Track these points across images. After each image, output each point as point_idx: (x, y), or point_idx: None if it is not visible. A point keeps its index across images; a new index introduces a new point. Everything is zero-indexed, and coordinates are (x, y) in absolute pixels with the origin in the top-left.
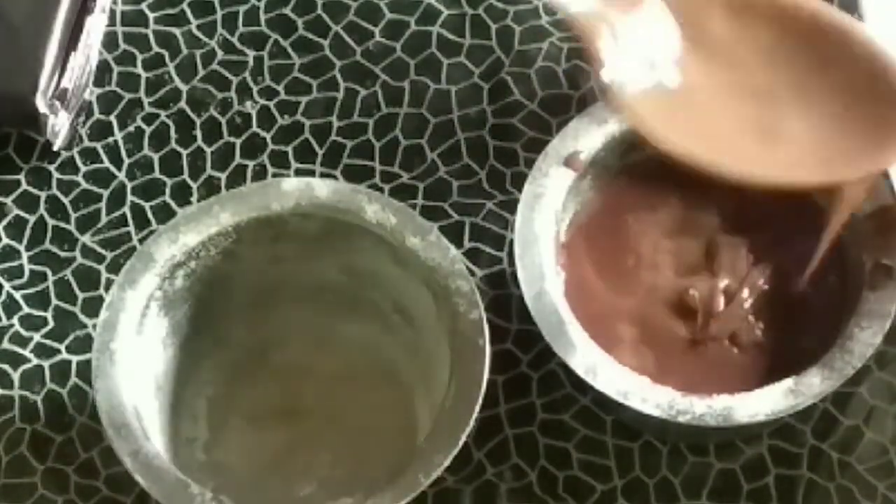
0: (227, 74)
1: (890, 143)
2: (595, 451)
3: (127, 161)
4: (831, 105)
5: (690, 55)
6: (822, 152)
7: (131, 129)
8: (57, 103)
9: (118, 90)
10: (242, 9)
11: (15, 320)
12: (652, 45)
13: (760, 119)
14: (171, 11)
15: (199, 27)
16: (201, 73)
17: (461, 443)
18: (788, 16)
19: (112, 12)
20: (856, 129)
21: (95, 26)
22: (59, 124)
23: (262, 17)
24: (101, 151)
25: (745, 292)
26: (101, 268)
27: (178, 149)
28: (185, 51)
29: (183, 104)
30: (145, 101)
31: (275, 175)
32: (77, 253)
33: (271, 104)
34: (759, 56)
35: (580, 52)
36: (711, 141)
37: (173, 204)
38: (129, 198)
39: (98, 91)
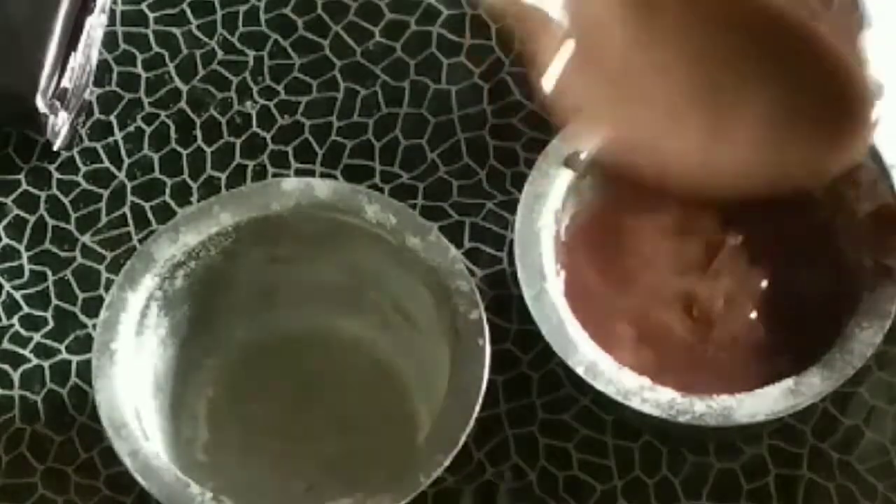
0: (227, 74)
1: (843, 147)
2: (595, 451)
3: (127, 161)
4: (781, 105)
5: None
6: (767, 156)
7: (131, 129)
8: (57, 103)
9: (118, 90)
10: (242, 9)
11: (15, 320)
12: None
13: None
14: (171, 11)
15: (199, 27)
16: (201, 73)
17: (461, 443)
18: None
19: (112, 12)
20: (804, 132)
21: (95, 26)
22: (59, 124)
23: (262, 17)
24: (101, 151)
25: (745, 293)
26: (101, 268)
27: (178, 149)
28: (185, 51)
29: (183, 104)
30: (145, 101)
31: (275, 175)
32: (77, 253)
33: (271, 104)
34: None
35: None
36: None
37: (173, 204)
38: (129, 198)
39: (98, 91)
